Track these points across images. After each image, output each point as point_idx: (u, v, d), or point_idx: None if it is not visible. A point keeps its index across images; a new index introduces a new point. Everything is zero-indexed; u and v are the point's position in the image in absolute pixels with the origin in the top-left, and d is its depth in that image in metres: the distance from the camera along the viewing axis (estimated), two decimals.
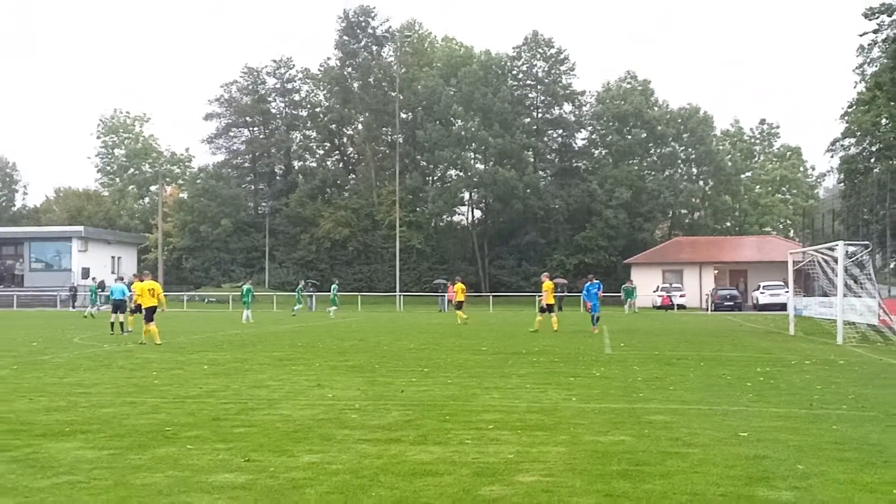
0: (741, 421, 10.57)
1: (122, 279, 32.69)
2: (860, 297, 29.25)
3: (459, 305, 40.68)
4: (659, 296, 64.08)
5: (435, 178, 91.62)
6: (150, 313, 24.95)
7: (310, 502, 6.71)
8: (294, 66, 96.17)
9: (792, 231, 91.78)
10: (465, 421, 10.60)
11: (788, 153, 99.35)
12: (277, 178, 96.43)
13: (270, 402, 12.31)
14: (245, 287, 44.25)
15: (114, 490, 7.08)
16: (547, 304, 32.15)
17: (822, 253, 30.14)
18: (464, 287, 41.01)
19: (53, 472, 7.73)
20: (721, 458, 8.26)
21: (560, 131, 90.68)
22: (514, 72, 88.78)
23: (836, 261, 26.79)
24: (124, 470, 7.82)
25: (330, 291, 52.62)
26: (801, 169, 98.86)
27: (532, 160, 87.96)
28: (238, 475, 7.60)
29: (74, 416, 10.99)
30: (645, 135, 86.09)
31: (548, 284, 32.37)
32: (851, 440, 9.29)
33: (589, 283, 32.85)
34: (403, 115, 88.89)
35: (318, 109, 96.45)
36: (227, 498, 6.83)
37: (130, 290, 29.70)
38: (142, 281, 26.40)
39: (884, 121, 44.62)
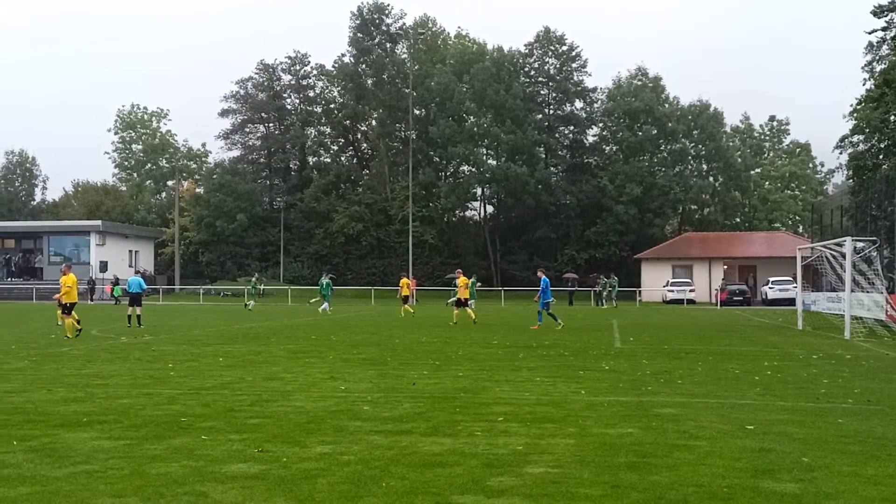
0: (748, 414, 10.57)
1: (140, 272, 32.76)
2: (868, 292, 29.14)
3: (406, 299, 41.55)
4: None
5: (448, 174, 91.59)
6: (70, 307, 24.96)
7: (322, 492, 6.75)
8: (309, 62, 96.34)
9: (801, 227, 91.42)
10: (476, 413, 10.64)
11: (798, 150, 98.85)
12: (292, 173, 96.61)
13: (284, 394, 12.37)
14: (324, 280, 46.29)
15: (129, 479, 7.14)
16: (463, 298, 34.02)
17: (831, 248, 30.02)
18: (467, 281, 35.82)
19: (71, 462, 7.79)
20: (727, 451, 8.26)
21: (571, 128, 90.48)
22: (526, 69, 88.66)
23: (844, 256, 26.70)
24: (140, 459, 7.88)
25: (321, 285, 46.57)
26: (811, 165, 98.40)
27: (543, 156, 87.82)
28: (251, 465, 7.65)
29: (91, 407, 11.07)
30: (655, 131, 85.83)
31: (463, 280, 34.39)
32: (856, 433, 9.28)
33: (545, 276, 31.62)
34: (417, 112, 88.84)
35: (332, 106, 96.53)
36: (240, 487, 6.88)
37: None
38: (65, 274, 26.01)
39: (892, 118, 44.35)
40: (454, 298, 34.70)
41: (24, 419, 10.14)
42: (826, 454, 8.15)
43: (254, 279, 60.18)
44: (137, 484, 6.97)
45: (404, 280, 42.72)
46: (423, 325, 32.43)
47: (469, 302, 36.30)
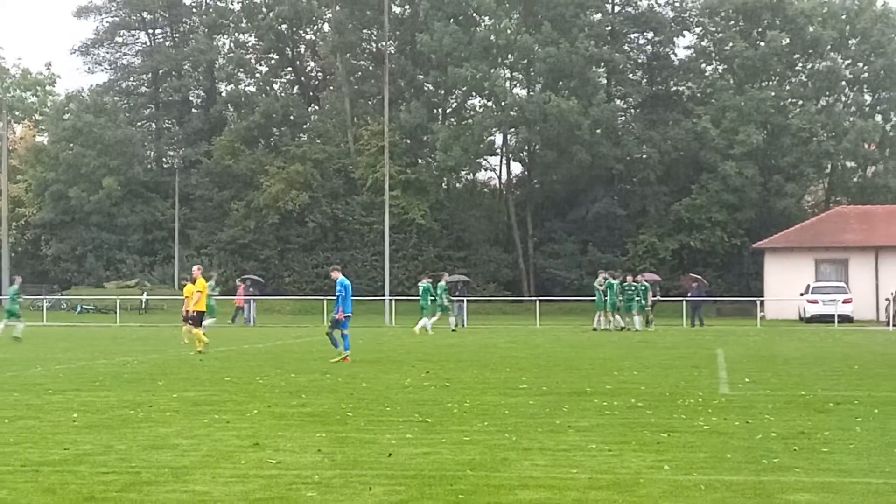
0: None
1: None
2: None
3: (198, 319, 37.59)
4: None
5: (448, 111, 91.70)
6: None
7: None
8: None
9: None
10: (491, 503, 10.64)
11: None
12: (194, 110, 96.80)
13: (177, 472, 12.34)
14: (423, 285, 51.38)
15: None
16: (196, 311, 34.67)
17: None
18: (204, 285, 37.07)
19: None
20: None
21: (650, 35, 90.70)
22: None
23: None
24: None
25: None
26: None
27: (605, 82, 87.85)
28: None
29: None
30: (787, 41, 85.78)
31: (201, 283, 35.80)
32: None
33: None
34: (397, 9, 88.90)
35: (258, 0, 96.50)
36: None
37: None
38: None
39: None
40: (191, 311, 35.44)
41: None
42: None
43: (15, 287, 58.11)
44: None
45: (202, 283, 38.29)
46: (408, 358, 32.42)
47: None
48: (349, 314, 31.43)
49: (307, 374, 26.05)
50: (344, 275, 32.85)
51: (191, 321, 34.63)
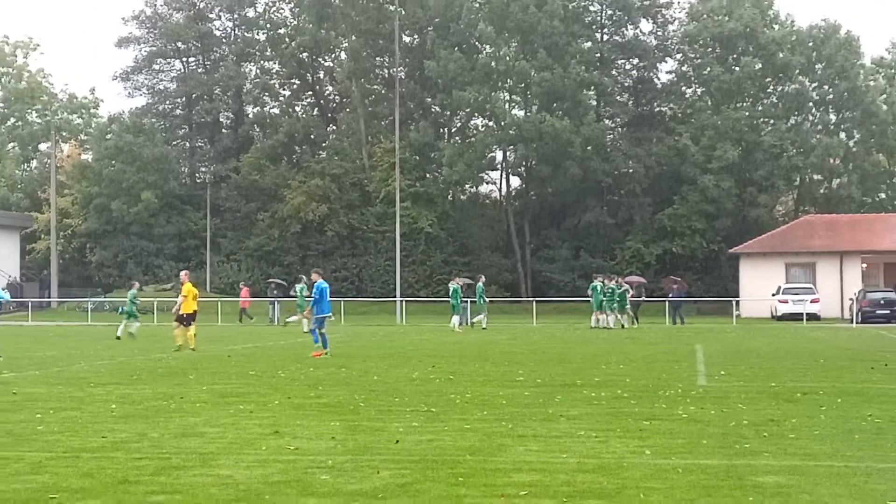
0: (891, 484, 10.52)
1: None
2: None
3: (189, 319, 36.30)
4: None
5: (453, 130, 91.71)
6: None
7: None
8: None
9: None
10: (487, 484, 10.60)
11: None
12: (224, 130, 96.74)
13: (204, 458, 12.32)
14: (453, 286, 52.53)
15: None
16: (186, 314, 34.53)
17: None
18: (192, 291, 36.12)
19: None
20: None
21: (635, 61, 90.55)
22: None
23: None
24: None
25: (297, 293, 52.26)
26: None
27: (595, 103, 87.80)
28: None
29: None
30: (760, 66, 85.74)
31: (188, 287, 35.36)
32: None
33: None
34: (406, 39, 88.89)
35: (281, 31, 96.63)
36: None
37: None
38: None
39: None
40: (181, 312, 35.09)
41: None
42: None
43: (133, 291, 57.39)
44: None
45: (190, 287, 37.22)
46: (416, 354, 32.39)
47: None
48: (328, 314, 31.59)
49: (324, 369, 26.01)
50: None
51: (182, 322, 34.39)
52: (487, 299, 55.41)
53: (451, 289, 52.76)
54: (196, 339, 34.67)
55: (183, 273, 38.36)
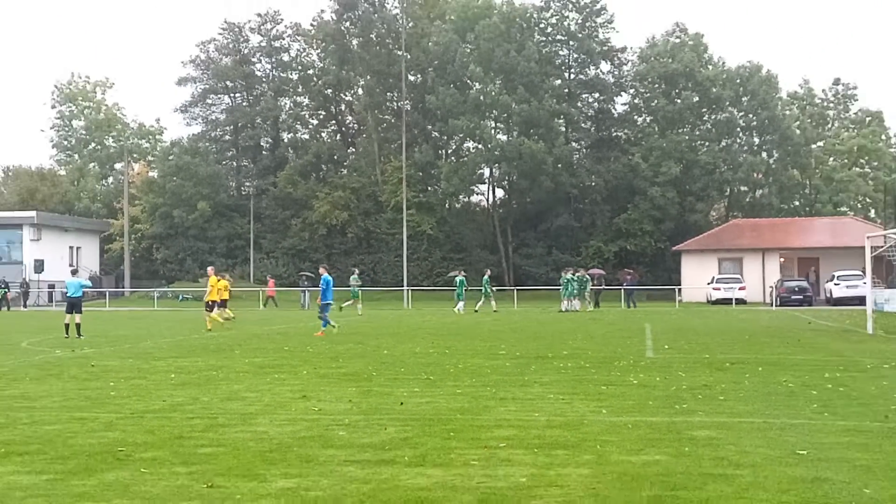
0: (802, 436, 10.49)
1: (74, 270, 33.56)
2: None
3: (216, 305, 36.91)
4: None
5: (449, 152, 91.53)
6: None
7: None
8: (282, 20, 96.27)
9: (872, 211, 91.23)
10: (473, 438, 10.58)
11: (868, 119, 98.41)
12: (264, 152, 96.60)
13: (244, 417, 12.31)
14: (459, 278, 52.23)
15: None
16: (211, 301, 34.84)
17: None
18: (216, 282, 36.07)
19: None
20: (773, 482, 8.17)
21: (597, 95, 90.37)
22: (542, 25, 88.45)
23: None
24: (64, 498, 7.80)
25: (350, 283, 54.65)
26: (883, 138, 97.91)
27: (563, 129, 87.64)
28: None
29: (12, 435, 11.00)
30: (697, 98, 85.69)
31: (213, 280, 35.54)
32: None
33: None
34: (411, 78, 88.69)
35: (310, 72, 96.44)
36: None
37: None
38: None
39: None
40: (208, 300, 35.49)
41: None
42: (893, 484, 8.06)
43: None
44: None
45: (215, 280, 36.98)
46: (419, 333, 32.38)
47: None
48: (330, 302, 32.00)
49: (344, 345, 25.99)
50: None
51: (208, 308, 34.90)
52: (493, 288, 56.32)
53: (458, 280, 52.41)
54: (217, 323, 34.66)
55: (209, 268, 39.07)
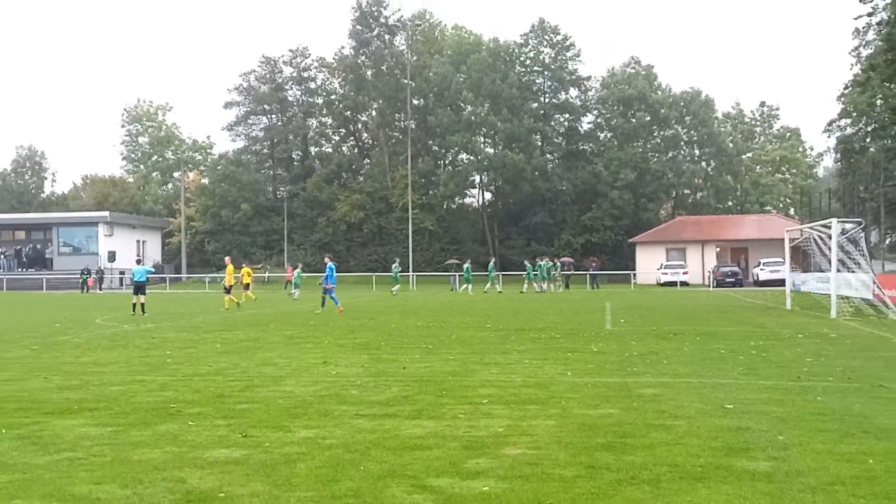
0: (729, 393, 10.46)
1: (139, 261, 33.63)
2: (855, 272, 28.96)
3: (245, 287, 38.84)
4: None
5: (446, 162, 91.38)
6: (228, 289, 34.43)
7: (299, 476, 6.65)
8: (310, 55, 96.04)
9: (792, 209, 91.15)
10: (461, 396, 10.54)
11: (788, 134, 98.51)
12: (295, 163, 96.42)
13: (275, 380, 12.27)
14: (466, 265, 53.03)
15: (110, 466, 7.03)
16: (230, 286, 34.68)
17: (818, 230, 29.87)
18: (231, 269, 35.50)
19: (55, 449, 7.69)
20: (704, 430, 8.15)
21: (567, 115, 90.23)
22: (522, 58, 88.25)
23: (830, 238, 26.55)
24: (124, 446, 7.78)
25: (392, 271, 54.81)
26: (800, 149, 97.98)
27: (540, 144, 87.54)
28: (234, 450, 7.54)
29: (84, 395, 10.96)
30: (649, 118, 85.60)
31: (230, 269, 35.19)
32: (834, 411, 9.17)
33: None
34: (415, 102, 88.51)
35: (333, 97, 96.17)
36: (219, 473, 6.78)
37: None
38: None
39: (878, 101, 44.03)
40: (227, 285, 34.92)
41: (16, 407, 10.03)
42: (802, 432, 8.04)
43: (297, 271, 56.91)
44: (117, 471, 6.86)
45: (231, 268, 35.98)
46: (421, 310, 32.36)
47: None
48: (334, 285, 32.07)
49: (359, 320, 25.97)
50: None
51: (227, 291, 34.62)
52: (496, 273, 56.80)
53: (465, 267, 53.16)
54: (233, 303, 34.45)
55: (227, 258, 38.43)
